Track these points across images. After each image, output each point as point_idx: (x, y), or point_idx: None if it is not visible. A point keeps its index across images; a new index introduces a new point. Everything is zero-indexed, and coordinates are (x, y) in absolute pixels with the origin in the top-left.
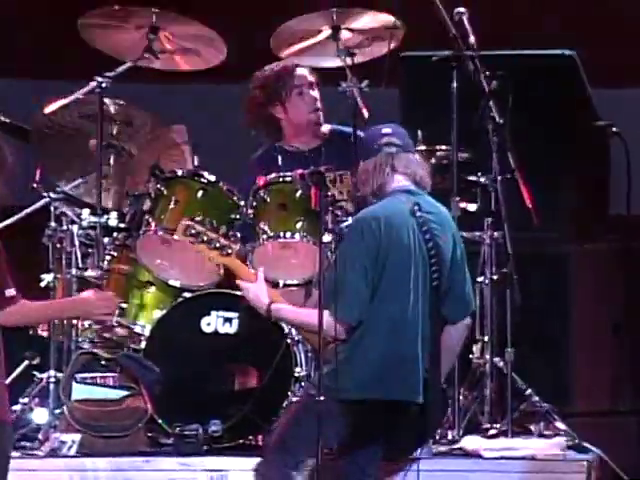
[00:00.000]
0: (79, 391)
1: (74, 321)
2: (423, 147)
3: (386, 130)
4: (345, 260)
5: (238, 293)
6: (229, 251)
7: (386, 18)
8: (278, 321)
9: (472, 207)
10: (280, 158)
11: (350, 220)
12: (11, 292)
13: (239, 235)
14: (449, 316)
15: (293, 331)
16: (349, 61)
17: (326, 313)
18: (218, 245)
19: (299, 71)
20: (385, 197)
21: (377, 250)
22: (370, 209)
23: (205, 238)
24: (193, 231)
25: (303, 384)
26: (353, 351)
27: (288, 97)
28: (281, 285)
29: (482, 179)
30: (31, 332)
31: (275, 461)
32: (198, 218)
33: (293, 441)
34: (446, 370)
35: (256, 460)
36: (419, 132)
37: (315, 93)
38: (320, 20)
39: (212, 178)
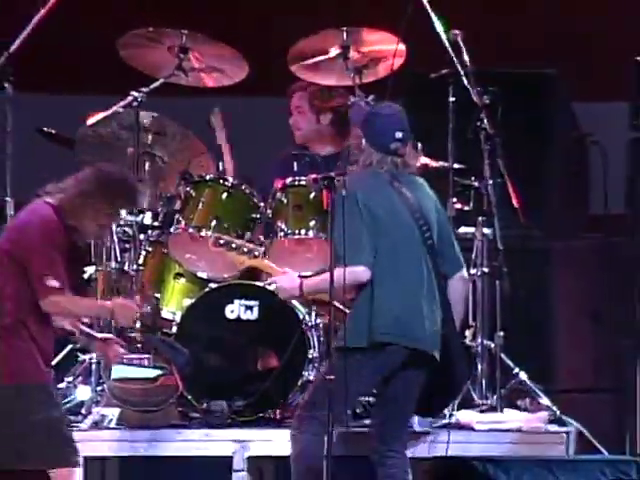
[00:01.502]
0: (118, 371)
1: None
2: (422, 158)
3: (398, 135)
4: (344, 222)
5: (258, 284)
6: (256, 254)
7: (390, 39)
8: (312, 294)
9: (466, 207)
10: (297, 165)
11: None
12: (53, 283)
13: (262, 238)
14: (447, 273)
15: (307, 317)
16: (357, 80)
17: (340, 270)
18: (246, 250)
19: (294, 95)
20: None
21: (368, 210)
22: (358, 177)
23: (234, 245)
24: (222, 241)
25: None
26: (368, 303)
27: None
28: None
29: (475, 183)
30: None
31: (307, 418)
32: (225, 225)
33: (320, 403)
34: (458, 321)
35: (274, 432)
36: (419, 143)
37: (299, 117)
38: (330, 40)
39: (235, 181)
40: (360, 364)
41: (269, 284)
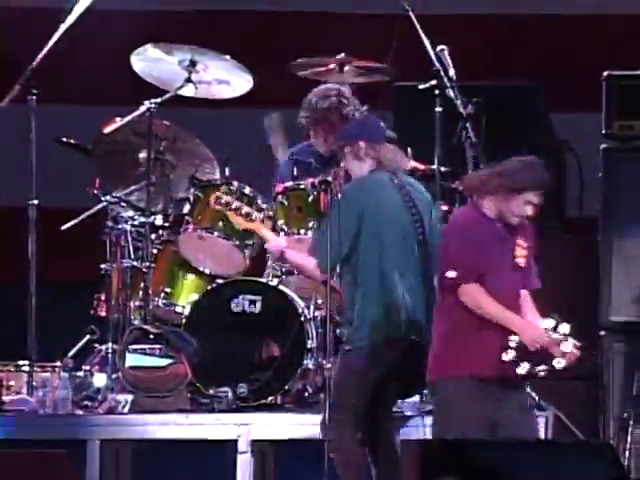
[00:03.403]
0: (131, 359)
1: (130, 303)
2: (413, 162)
3: (382, 124)
4: (331, 220)
5: (261, 280)
6: (253, 217)
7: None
8: (285, 262)
9: (451, 209)
10: (297, 169)
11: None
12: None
13: (264, 205)
14: (434, 269)
15: (306, 310)
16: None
17: (311, 259)
18: (244, 212)
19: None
20: (370, 171)
21: (361, 213)
22: (356, 181)
23: (233, 206)
24: (222, 200)
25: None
26: (362, 304)
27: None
28: (296, 272)
29: (460, 187)
30: (92, 312)
31: (340, 426)
32: (229, 188)
33: (343, 400)
34: None
35: (276, 416)
36: (408, 149)
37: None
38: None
39: (240, 185)
40: (366, 358)
41: (253, 300)
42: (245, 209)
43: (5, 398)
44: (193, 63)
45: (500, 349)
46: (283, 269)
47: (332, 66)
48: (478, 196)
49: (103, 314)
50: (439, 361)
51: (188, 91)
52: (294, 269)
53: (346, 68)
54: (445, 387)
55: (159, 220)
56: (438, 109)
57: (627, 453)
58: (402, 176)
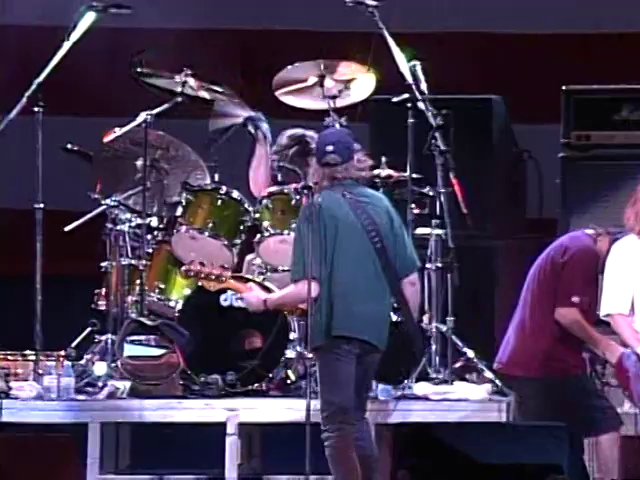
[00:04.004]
0: (129, 349)
1: (128, 297)
2: (387, 170)
3: (329, 148)
4: (296, 238)
5: (248, 276)
6: (222, 279)
7: (359, 68)
8: (275, 308)
9: (423, 212)
10: (280, 175)
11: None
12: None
13: (250, 209)
14: (400, 273)
15: None
16: (332, 104)
17: (292, 286)
18: (213, 277)
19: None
20: (326, 189)
21: (315, 227)
22: (312, 199)
23: (202, 275)
24: (192, 273)
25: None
26: (320, 309)
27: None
28: (280, 270)
29: (430, 192)
30: (93, 306)
31: (330, 425)
32: (220, 227)
33: (329, 398)
34: (415, 312)
35: (261, 401)
36: (383, 158)
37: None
38: (308, 70)
39: (228, 190)
40: (332, 358)
41: (240, 299)
42: (214, 273)
43: (13, 385)
44: (184, 82)
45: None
46: (268, 266)
47: (311, 82)
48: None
49: (103, 308)
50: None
51: (187, 90)
52: (285, 304)
53: (326, 82)
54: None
55: (154, 222)
56: (410, 120)
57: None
58: (357, 189)
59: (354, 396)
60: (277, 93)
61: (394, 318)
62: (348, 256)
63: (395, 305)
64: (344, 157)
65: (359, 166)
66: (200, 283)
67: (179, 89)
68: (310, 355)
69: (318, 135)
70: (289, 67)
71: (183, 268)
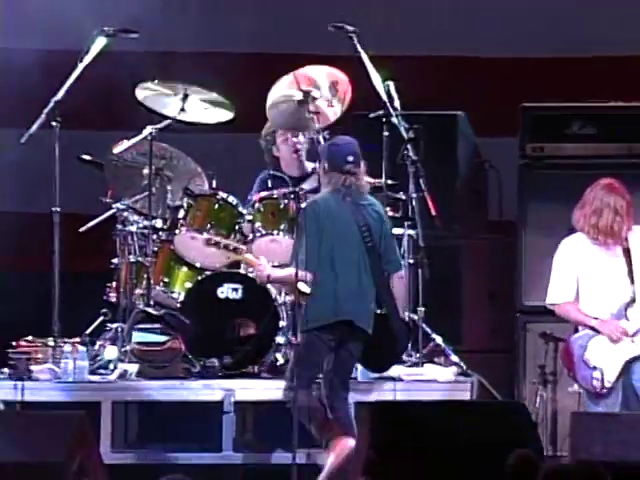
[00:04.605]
0: (137, 336)
1: (135, 290)
2: (366, 177)
3: (350, 158)
4: (300, 230)
5: (242, 272)
6: (238, 251)
7: (337, 73)
8: (275, 283)
9: (396, 214)
10: (270, 182)
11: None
12: None
13: (244, 211)
14: (390, 269)
15: (278, 297)
16: (317, 120)
17: (292, 269)
18: (231, 248)
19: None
20: (329, 192)
21: (319, 224)
22: (317, 197)
23: (222, 245)
24: (213, 241)
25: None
26: (313, 296)
27: (278, 143)
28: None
29: (403, 196)
30: (104, 298)
31: (292, 388)
32: (217, 229)
33: (298, 368)
34: (401, 307)
35: (255, 383)
36: (363, 165)
37: (296, 139)
38: (293, 89)
39: (224, 195)
40: (316, 340)
41: (235, 290)
42: (232, 245)
43: (34, 368)
44: (185, 96)
45: None
46: None
47: (297, 98)
48: None
49: (114, 299)
50: None
51: (183, 117)
52: (282, 284)
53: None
54: None
55: (159, 223)
56: (385, 134)
57: (535, 410)
58: (356, 196)
59: (334, 377)
60: (269, 115)
61: (378, 311)
62: (343, 251)
63: (382, 303)
64: (358, 167)
65: (364, 176)
66: (219, 252)
67: (177, 116)
68: (297, 341)
69: (331, 143)
70: (275, 86)
71: (206, 237)
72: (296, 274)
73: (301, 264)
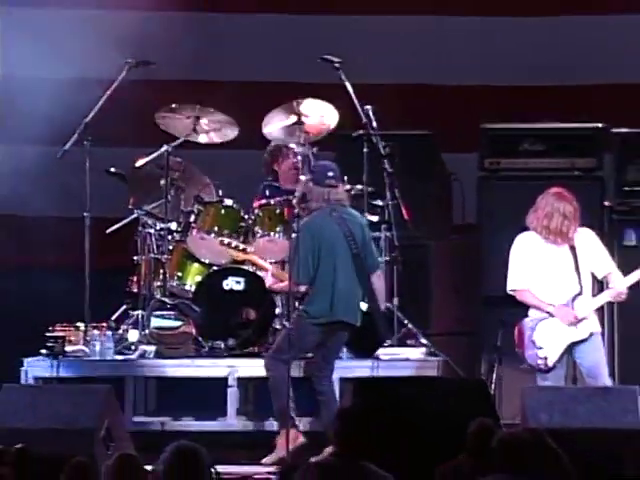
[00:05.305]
0: (155, 322)
1: (154, 283)
2: (347, 186)
3: (330, 173)
4: (298, 247)
5: (244, 267)
6: (247, 251)
7: (326, 105)
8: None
9: (374, 219)
10: (268, 192)
11: (300, 221)
12: None
13: (245, 216)
14: (371, 270)
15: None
16: (306, 139)
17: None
18: (240, 248)
19: (285, 148)
20: (317, 209)
21: (314, 242)
22: (310, 218)
23: (233, 245)
24: (225, 242)
25: (294, 315)
26: (312, 297)
27: (279, 161)
28: (268, 261)
29: (381, 203)
30: (127, 289)
31: (274, 358)
32: (227, 232)
33: (285, 346)
34: (382, 301)
35: (255, 361)
36: (345, 177)
37: (295, 160)
38: (288, 112)
39: (230, 202)
40: (309, 325)
41: (238, 283)
42: (241, 246)
43: (68, 348)
44: (197, 118)
45: None
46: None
47: (291, 121)
48: None
49: (135, 290)
50: None
51: (194, 137)
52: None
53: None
54: None
55: (173, 226)
56: (365, 150)
57: (492, 385)
58: (341, 209)
59: (323, 358)
60: (264, 132)
61: (364, 308)
62: (335, 260)
63: (365, 298)
64: (338, 182)
65: (344, 191)
66: (230, 251)
67: (190, 137)
68: (291, 326)
69: (315, 165)
70: (273, 111)
71: (219, 238)
72: (289, 284)
73: (296, 276)
